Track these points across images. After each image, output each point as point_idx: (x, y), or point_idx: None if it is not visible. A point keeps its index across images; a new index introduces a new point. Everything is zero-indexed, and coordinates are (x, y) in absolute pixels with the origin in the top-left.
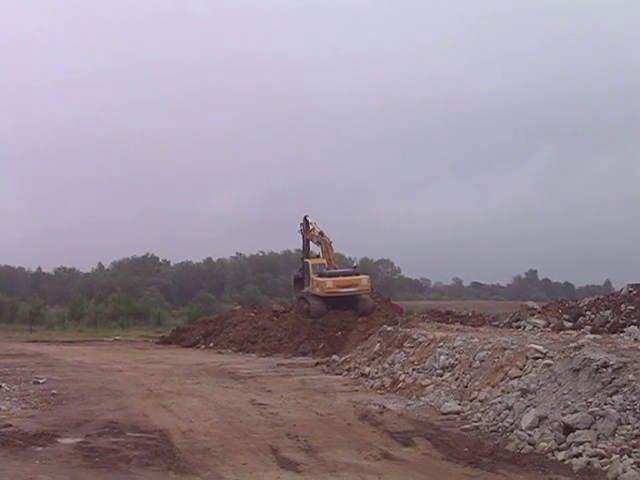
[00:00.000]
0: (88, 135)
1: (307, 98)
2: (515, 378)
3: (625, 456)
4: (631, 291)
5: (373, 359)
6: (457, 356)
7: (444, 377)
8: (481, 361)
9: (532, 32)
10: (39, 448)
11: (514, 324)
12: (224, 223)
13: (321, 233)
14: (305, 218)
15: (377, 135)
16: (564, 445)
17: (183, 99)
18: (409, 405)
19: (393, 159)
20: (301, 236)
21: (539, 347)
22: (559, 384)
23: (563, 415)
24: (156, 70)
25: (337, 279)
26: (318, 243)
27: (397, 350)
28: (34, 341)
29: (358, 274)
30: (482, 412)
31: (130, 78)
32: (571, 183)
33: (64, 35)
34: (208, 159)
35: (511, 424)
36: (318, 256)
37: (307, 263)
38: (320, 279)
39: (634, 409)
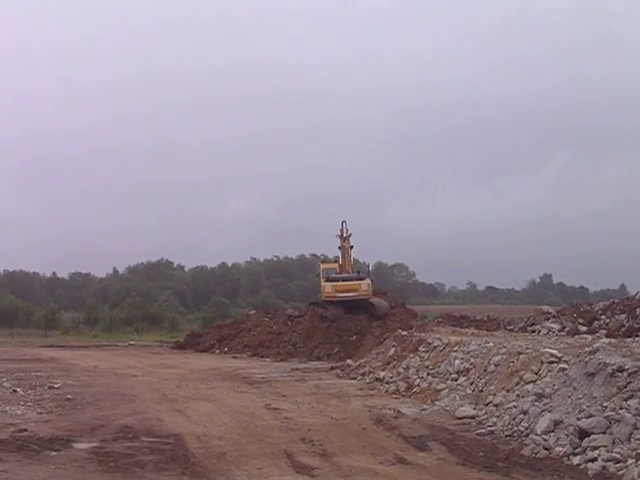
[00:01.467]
0: (103, 141)
1: (320, 102)
2: (530, 382)
3: None
4: None
5: (388, 363)
6: (472, 360)
7: (459, 381)
8: (496, 365)
9: (549, 36)
10: (54, 453)
11: (529, 328)
12: (239, 228)
13: (345, 238)
14: (342, 224)
15: (393, 139)
16: (579, 449)
17: (197, 105)
18: (424, 410)
19: (408, 163)
20: (339, 240)
21: (554, 351)
22: (574, 388)
23: (578, 419)
24: (171, 77)
25: (336, 284)
26: (339, 248)
27: (412, 354)
28: (49, 346)
29: (361, 279)
30: (497, 416)
31: (145, 85)
32: (586, 187)
33: (72, 43)
34: (223, 165)
35: (526, 428)
36: (336, 261)
37: (319, 268)
38: (323, 284)
39: None
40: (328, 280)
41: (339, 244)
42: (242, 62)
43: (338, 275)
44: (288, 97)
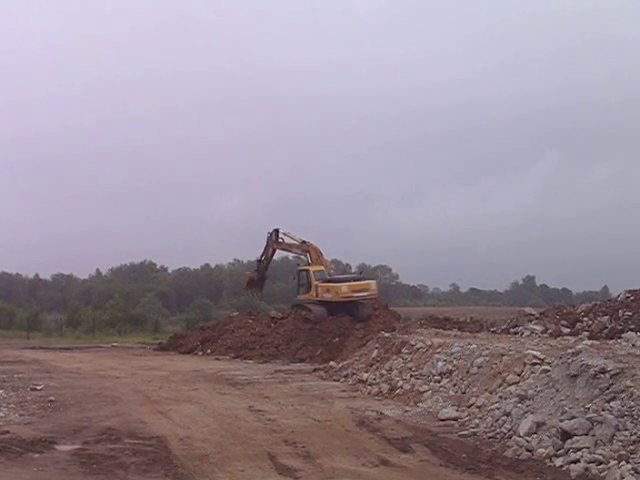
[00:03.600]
0: (88, 143)
1: (310, 105)
2: (513, 384)
3: (623, 462)
4: (628, 297)
5: (371, 365)
6: (455, 362)
7: (442, 383)
8: (479, 367)
9: (537, 39)
10: (36, 455)
11: (512, 330)
12: (224, 230)
13: (303, 241)
14: (276, 230)
15: (379, 142)
16: (562, 451)
17: (184, 106)
18: (407, 411)
19: (393, 166)
20: (266, 243)
21: (537, 353)
22: (557, 390)
23: (561, 421)
24: (158, 78)
25: (352, 284)
26: (306, 251)
27: (395, 356)
28: (32, 348)
29: (365, 279)
30: (480, 418)
31: (132, 86)
32: (572, 190)
33: (68, 44)
34: (208, 166)
35: (509, 430)
36: (308, 264)
37: (308, 271)
38: (330, 284)
39: (632, 415)
40: (332, 281)
41: (274, 249)
42: (233, 64)
43: (345, 275)
44: (277, 99)
